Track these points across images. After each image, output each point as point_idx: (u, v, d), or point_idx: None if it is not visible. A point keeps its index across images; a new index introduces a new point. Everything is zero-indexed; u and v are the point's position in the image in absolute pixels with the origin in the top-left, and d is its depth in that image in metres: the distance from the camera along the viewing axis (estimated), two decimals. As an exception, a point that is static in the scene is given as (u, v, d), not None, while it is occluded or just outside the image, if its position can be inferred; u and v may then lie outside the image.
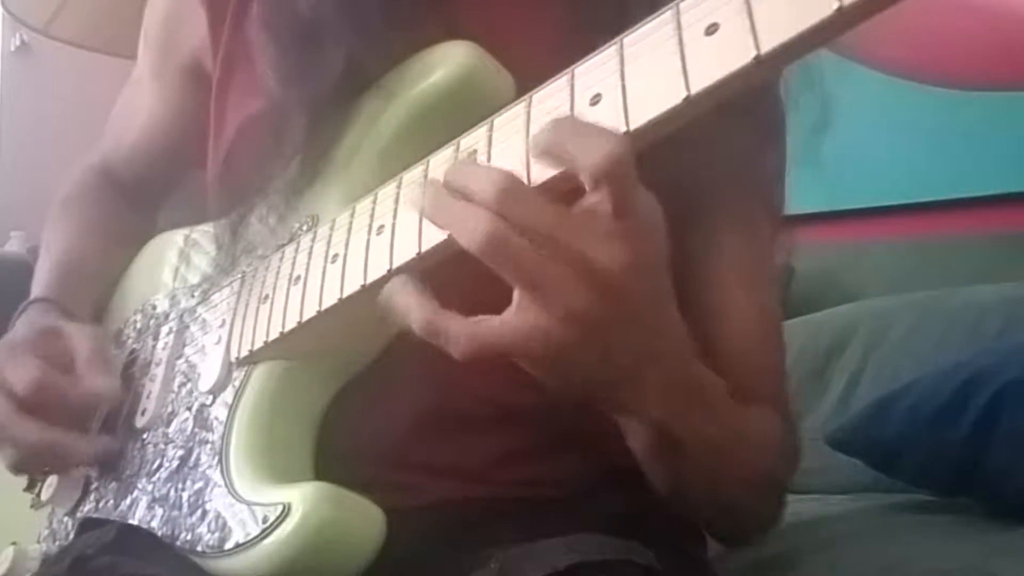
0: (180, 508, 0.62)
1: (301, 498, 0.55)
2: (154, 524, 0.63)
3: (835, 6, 0.39)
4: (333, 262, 0.59)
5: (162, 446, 0.67)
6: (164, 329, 0.76)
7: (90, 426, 0.72)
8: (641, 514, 0.67)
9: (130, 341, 0.79)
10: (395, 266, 0.55)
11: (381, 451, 0.64)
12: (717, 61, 0.43)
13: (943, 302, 1.38)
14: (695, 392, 0.55)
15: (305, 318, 0.60)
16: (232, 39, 0.76)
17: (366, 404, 0.64)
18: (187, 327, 0.74)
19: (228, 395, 0.64)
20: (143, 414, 0.71)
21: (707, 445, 0.57)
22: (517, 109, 0.52)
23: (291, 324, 0.61)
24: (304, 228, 0.65)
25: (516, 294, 0.48)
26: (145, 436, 0.69)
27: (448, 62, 0.63)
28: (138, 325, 0.80)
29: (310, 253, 0.62)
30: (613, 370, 0.52)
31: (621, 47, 0.48)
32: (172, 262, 0.82)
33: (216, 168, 0.76)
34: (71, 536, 0.71)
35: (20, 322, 0.79)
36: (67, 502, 0.73)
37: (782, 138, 0.68)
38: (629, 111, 0.46)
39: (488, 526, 0.62)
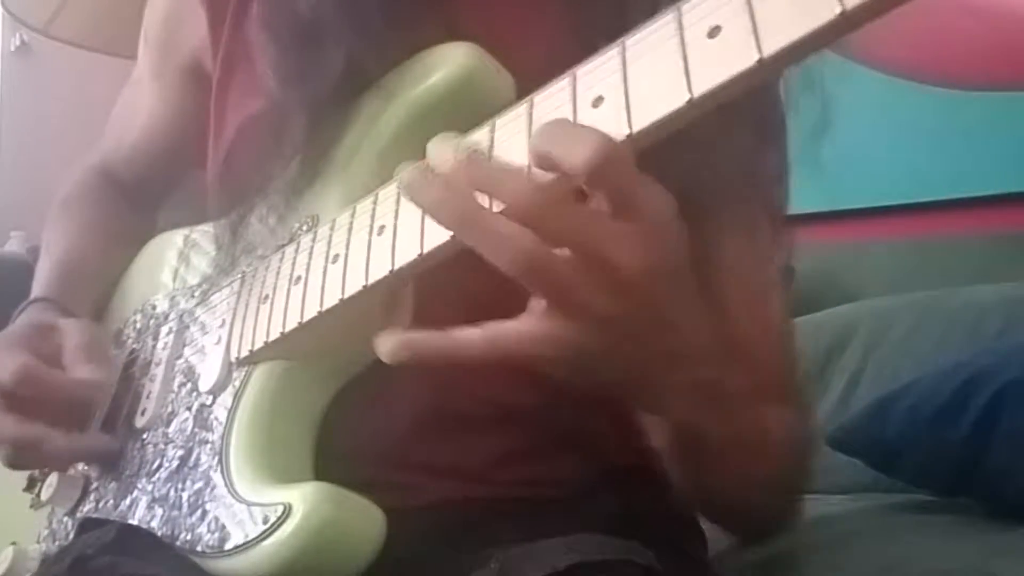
0: (180, 508, 0.62)
1: (302, 498, 0.55)
2: (154, 524, 0.63)
3: (837, 9, 0.40)
4: (334, 262, 0.59)
5: (162, 446, 0.67)
6: (164, 329, 0.76)
7: (88, 423, 0.71)
8: (641, 514, 0.67)
9: (130, 341, 0.79)
10: (397, 266, 0.55)
11: (381, 451, 0.64)
12: (719, 63, 0.43)
13: (943, 302, 1.38)
14: (718, 391, 0.54)
15: (306, 318, 0.60)
16: (232, 39, 0.76)
17: (366, 404, 0.64)
18: (187, 327, 0.74)
19: (228, 395, 0.64)
20: (143, 414, 0.71)
21: (730, 443, 0.57)
22: (519, 110, 0.52)
23: (292, 324, 0.61)
24: (304, 228, 0.65)
25: (535, 301, 0.48)
26: (145, 436, 0.69)
27: (449, 63, 0.63)
28: (138, 325, 0.80)
29: (311, 253, 0.62)
30: (635, 371, 0.51)
31: (623, 49, 0.48)
32: (172, 262, 0.82)
33: (216, 168, 0.76)
34: (71, 536, 0.71)
35: (18, 321, 0.79)
36: (67, 502, 0.72)
37: (783, 138, 0.68)
38: (631, 113, 0.46)
39: (488, 526, 0.62)
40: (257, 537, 0.55)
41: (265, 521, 0.55)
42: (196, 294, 0.75)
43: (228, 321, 0.68)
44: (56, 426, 0.68)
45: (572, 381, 0.52)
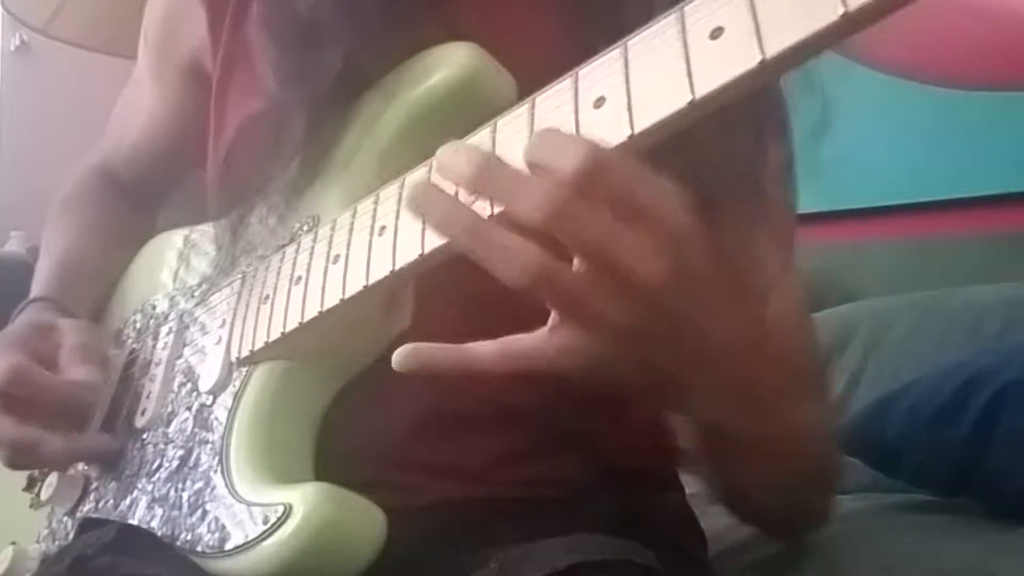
0: (180, 508, 0.62)
1: (302, 499, 0.55)
2: (154, 524, 0.63)
3: (840, 11, 0.40)
4: (335, 262, 0.59)
5: (162, 446, 0.67)
6: (164, 329, 0.76)
7: (86, 423, 0.71)
8: (641, 514, 0.67)
9: (130, 341, 0.79)
10: (398, 267, 0.55)
11: (381, 451, 0.64)
12: (722, 64, 0.43)
13: (943, 302, 1.38)
14: (749, 392, 0.53)
15: (306, 318, 0.60)
16: (232, 39, 0.76)
17: (366, 404, 0.64)
18: (187, 327, 0.74)
19: (228, 395, 0.64)
20: (143, 414, 0.71)
21: (761, 442, 0.56)
22: (520, 110, 0.52)
23: (292, 324, 0.61)
24: (305, 228, 0.65)
25: (553, 313, 0.48)
26: (145, 436, 0.69)
27: (449, 63, 0.62)
28: (138, 325, 0.80)
29: (311, 253, 0.62)
30: (657, 377, 0.51)
31: (625, 49, 0.48)
32: (172, 262, 0.82)
33: (216, 168, 0.76)
34: (71, 536, 0.71)
35: (17, 320, 0.79)
36: (67, 502, 0.72)
37: (786, 138, 0.68)
38: (633, 113, 0.46)
39: (488, 526, 0.62)
40: (257, 537, 0.55)
41: (265, 521, 0.55)
42: (196, 294, 0.75)
43: (228, 321, 0.68)
44: (54, 427, 0.68)
45: (590, 384, 0.51)
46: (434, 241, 0.52)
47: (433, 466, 0.65)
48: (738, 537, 0.84)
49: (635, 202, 0.45)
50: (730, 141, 0.58)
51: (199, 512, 0.60)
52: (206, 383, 0.66)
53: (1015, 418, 0.94)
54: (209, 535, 0.59)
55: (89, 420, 0.72)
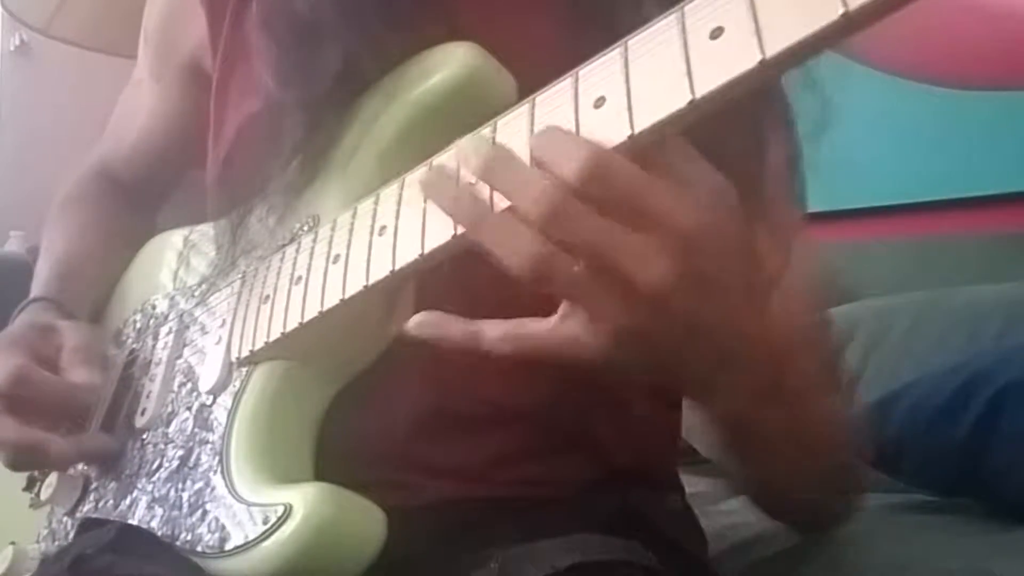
0: (180, 508, 0.62)
1: (302, 499, 0.55)
2: (154, 524, 0.63)
3: (840, 11, 0.40)
4: (335, 262, 0.59)
5: (162, 446, 0.67)
6: (164, 329, 0.76)
7: (85, 423, 0.72)
8: (641, 514, 0.67)
9: (130, 341, 0.79)
10: (398, 267, 0.55)
11: (381, 451, 0.64)
12: (722, 64, 0.43)
13: (943, 302, 1.38)
14: (770, 386, 0.53)
15: (306, 318, 0.60)
16: (232, 39, 0.76)
17: (366, 404, 0.64)
18: (187, 327, 0.74)
19: (228, 396, 0.64)
20: (143, 414, 0.71)
21: (785, 434, 0.56)
22: (521, 110, 0.52)
23: (292, 324, 0.61)
24: (305, 228, 0.65)
25: (564, 304, 0.48)
26: (145, 436, 0.69)
27: (450, 63, 0.62)
28: (138, 325, 0.80)
29: (311, 253, 0.62)
30: (673, 374, 0.51)
31: (625, 49, 0.48)
32: (171, 262, 0.82)
33: (216, 168, 0.76)
34: (70, 536, 0.71)
35: (17, 321, 0.79)
36: (66, 502, 0.72)
37: (789, 136, 0.67)
38: (633, 113, 0.46)
39: (488, 526, 0.62)
40: (257, 538, 0.55)
41: (265, 522, 0.55)
42: (196, 294, 0.75)
43: (228, 321, 0.68)
44: (55, 428, 0.68)
45: (598, 376, 0.51)
46: (434, 241, 0.52)
47: (433, 466, 0.65)
48: (738, 537, 0.84)
49: (636, 205, 0.45)
50: (726, 140, 0.58)
51: (199, 512, 0.60)
52: (206, 383, 0.66)
53: (1015, 418, 0.94)
54: (209, 535, 0.59)
55: (89, 420, 0.72)
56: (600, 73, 0.48)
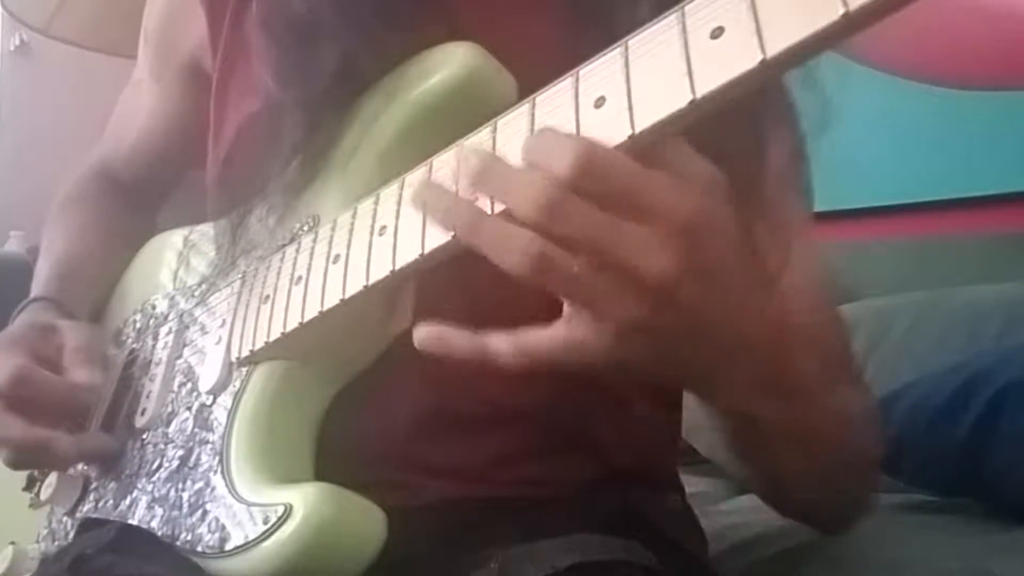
0: (180, 508, 0.62)
1: (302, 499, 0.55)
2: (154, 524, 0.63)
3: (840, 11, 0.40)
4: (335, 262, 0.59)
5: (162, 446, 0.67)
6: (164, 329, 0.76)
7: (86, 423, 0.72)
8: (641, 514, 0.67)
9: (130, 341, 0.79)
10: (398, 267, 0.55)
11: (381, 451, 0.64)
12: (722, 64, 0.43)
13: (943, 302, 1.38)
14: (777, 380, 0.53)
15: (306, 318, 0.60)
16: (231, 39, 0.76)
17: (366, 404, 0.64)
18: (187, 327, 0.74)
19: (228, 396, 0.64)
20: (143, 414, 0.71)
21: (795, 429, 0.56)
22: (521, 110, 0.52)
23: (292, 324, 0.61)
24: (305, 228, 0.65)
25: (566, 306, 0.48)
26: (145, 436, 0.69)
27: (450, 63, 0.62)
28: (138, 325, 0.80)
29: (311, 253, 0.62)
30: (679, 368, 0.51)
31: (626, 49, 0.48)
32: (171, 262, 0.82)
33: (216, 168, 0.76)
34: (70, 536, 0.71)
35: (18, 320, 0.79)
36: (66, 502, 0.72)
37: (792, 135, 0.67)
38: (634, 113, 0.46)
39: (488, 526, 0.62)
40: (258, 538, 0.55)
41: (266, 522, 0.55)
42: (196, 294, 0.75)
43: (228, 321, 0.68)
44: (56, 427, 0.68)
45: (608, 377, 0.51)
46: (434, 241, 0.52)
47: (433, 466, 0.65)
48: (738, 537, 0.84)
49: (634, 198, 0.45)
50: (726, 139, 0.58)
51: (199, 512, 0.60)
52: (206, 383, 0.66)
53: (1015, 418, 0.94)
54: (209, 535, 0.59)
55: (89, 420, 0.72)
56: (600, 73, 0.48)
